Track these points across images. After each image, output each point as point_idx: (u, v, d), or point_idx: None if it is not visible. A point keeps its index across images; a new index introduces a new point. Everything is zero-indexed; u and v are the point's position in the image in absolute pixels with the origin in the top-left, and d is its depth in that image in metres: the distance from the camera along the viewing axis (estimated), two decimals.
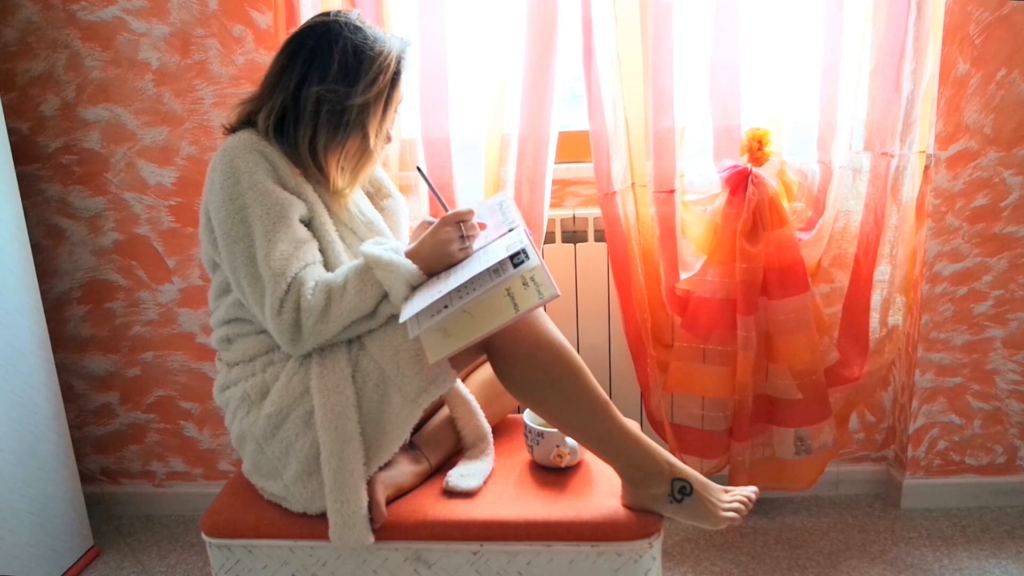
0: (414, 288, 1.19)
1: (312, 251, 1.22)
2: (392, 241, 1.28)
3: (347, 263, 1.24)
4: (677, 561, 1.77)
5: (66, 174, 1.88)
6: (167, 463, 2.06)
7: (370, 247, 1.21)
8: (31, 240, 1.82)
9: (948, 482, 1.92)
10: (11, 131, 1.84)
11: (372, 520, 1.20)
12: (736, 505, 1.21)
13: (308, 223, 1.25)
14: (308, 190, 1.26)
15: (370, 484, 1.21)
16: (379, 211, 1.43)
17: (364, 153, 1.28)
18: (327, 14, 1.28)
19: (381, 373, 1.20)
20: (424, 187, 1.76)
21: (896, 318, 1.77)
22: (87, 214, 1.90)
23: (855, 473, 1.99)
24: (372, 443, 1.20)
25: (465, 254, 1.22)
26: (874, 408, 1.96)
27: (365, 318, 1.20)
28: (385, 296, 1.19)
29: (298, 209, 1.22)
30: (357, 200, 1.36)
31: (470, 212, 1.23)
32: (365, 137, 1.26)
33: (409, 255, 1.21)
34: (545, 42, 1.63)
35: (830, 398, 1.78)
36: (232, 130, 1.29)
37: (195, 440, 2.04)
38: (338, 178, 1.28)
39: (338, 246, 1.27)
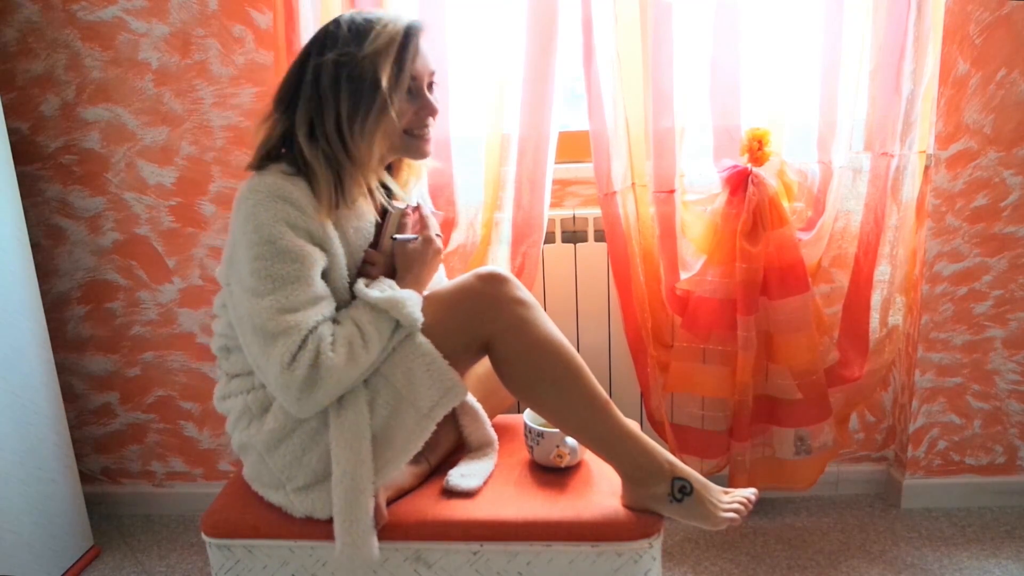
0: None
1: (329, 308, 1.19)
2: (379, 282, 1.26)
3: (344, 312, 1.21)
4: (677, 561, 1.77)
5: (66, 174, 1.88)
6: (167, 463, 2.06)
7: (368, 292, 1.21)
8: (31, 240, 1.82)
9: (948, 482, 1.92)
10: (11, 131, 1.84)
11: (375, 522, 1.20)
12: (736, 506, 1.22)
13: (328, 272, 1.22)
14: (334, 236, 1.21)
15: None
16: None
17: (383, 111, 1.19)
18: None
19: (392, 389, 1.19)
20: (424, 187, 1.75)
21: (896, 318, 1.77)
22: (87, 214, 1.90)
23: (855, 473, 1.99)
24: (379, 458, 1.19)
25: (432, 238, 1.32)
26: (874, 408, 1.96)
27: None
28: (397, 327, 1.20)
29: (319, 263, 1.18)
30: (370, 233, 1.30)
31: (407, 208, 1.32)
32: (381, 89, 1.18)
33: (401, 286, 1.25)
34: (545, 42, 1.63)
35: (830, 398, 1.77)
36: (257, 166, 1.23)
37: (195, 440, 2.04)
38: (364, 151, 1.21)
39: (345, 287, 1.25)
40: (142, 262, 1.93)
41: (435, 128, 1.70)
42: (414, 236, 1.31)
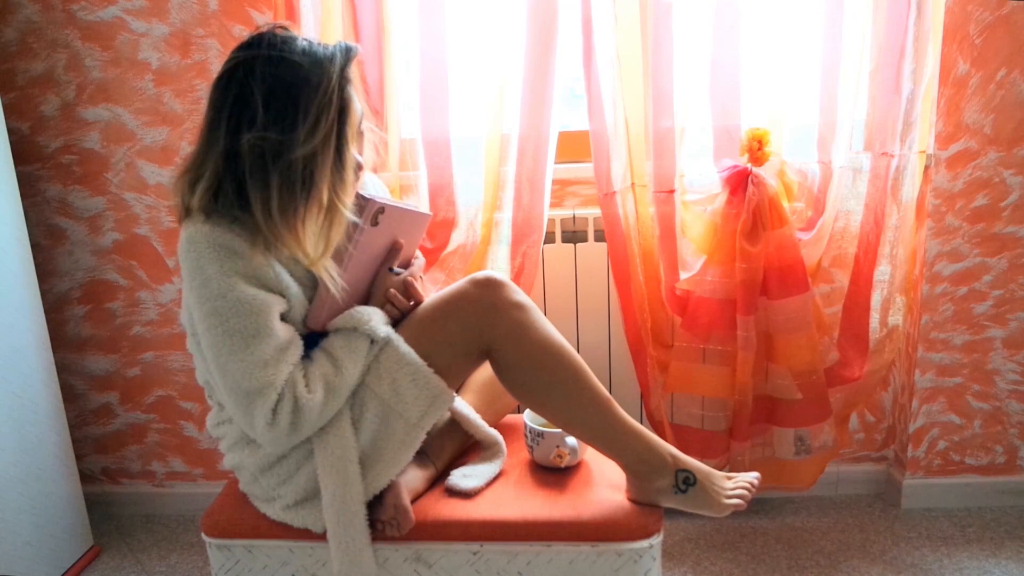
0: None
1: (296, 351, 1.16)
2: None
3: (305, 344, 1.19)
4: (677, 561, 1.77)
5: (66, 174, 1.88)
6: (167, 463, 2.06)
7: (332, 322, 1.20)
8: (31, 240, 1.82)
9: (948, 482, 1.92)
10: (11, 131, 1.84)
11: (400, 526, 1.19)
12: (740, 491, 1.23)
13: (288, 313, 1.18)
14: (283, 274, 1.16)
15: (395, 489, 1.20)
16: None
17: (330, 211, 1.13)
18: (249, 41, 1.14)
19: (379, 402, 1.19)
20: (424, 187, 1.75)
21: (896, 318, 1.77)
22: (87, 214, 1.90)
23: (855, 473, 1.99)
24: (370, 472, 1.19)
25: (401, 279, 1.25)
26: (874, 408, 1.96)
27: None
28: (371, 344, 1.19)
29: (276, 308, 1.14)
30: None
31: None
32: (321, 193, 1.11)
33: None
34: (545, 42, 1.63)
35: (830, 398, 1.78)
36: (188, 211, 1.17)
37: (195, 440, 2.04)
38: (308, 247, 1.13)
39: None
40: (142, 262, 1.93)
41: (435, 128, 1.72)
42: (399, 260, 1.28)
